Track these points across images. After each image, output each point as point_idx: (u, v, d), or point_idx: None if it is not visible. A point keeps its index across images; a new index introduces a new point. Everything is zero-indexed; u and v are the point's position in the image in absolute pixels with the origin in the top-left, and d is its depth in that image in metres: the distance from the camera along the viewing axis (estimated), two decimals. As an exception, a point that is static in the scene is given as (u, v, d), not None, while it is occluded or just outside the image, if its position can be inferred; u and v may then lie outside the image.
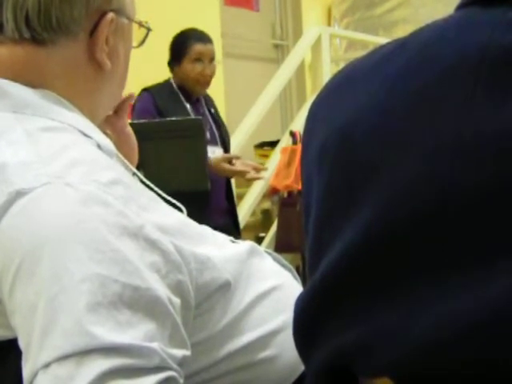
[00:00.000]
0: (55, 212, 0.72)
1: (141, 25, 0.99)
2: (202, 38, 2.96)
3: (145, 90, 2.93)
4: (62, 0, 0.85)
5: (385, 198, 0.50)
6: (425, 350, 0.48)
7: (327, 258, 0.54)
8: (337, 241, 0.53)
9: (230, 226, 2.98)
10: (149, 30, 1.01)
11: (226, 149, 3.03)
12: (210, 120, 3.02)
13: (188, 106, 2.95)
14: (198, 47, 2.92)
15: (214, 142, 2.95)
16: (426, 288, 0.48)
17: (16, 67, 0.86)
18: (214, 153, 2.89)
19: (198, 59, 2.92)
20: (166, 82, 3.00)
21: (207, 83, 2.96)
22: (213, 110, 3.10)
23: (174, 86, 2.97)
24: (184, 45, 2.93)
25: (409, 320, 0.48)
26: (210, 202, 2.77)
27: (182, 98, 2.96)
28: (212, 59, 2.95)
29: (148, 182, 0.98)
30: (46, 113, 0.84)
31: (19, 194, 0.73)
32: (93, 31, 0.89)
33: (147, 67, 3.06)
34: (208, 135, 2.84)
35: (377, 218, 0.50)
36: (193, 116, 2.87)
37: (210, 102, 3.11)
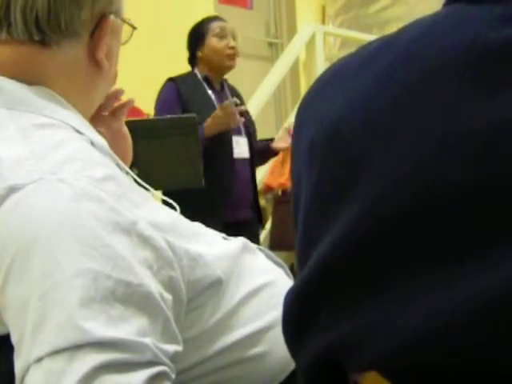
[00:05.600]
0: (48, 208, 0.72)
1: (130, 25, 0.99)
2: (219, 18, 3.02)
3: (170, 79, 2.91)
4: (71, 2, 0.86)
5: (372, 195, 0.50)
6: (411, 345, 0.48)
7: (316, 254, 0.54)
8: (325, 237, 0.53)
9: (253, 220, 2.93)
10: (134, 28, 1.01)
11: (251, 139, 2.99)
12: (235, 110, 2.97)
13: (212, 94, 2.94)
14: (218, 24, 2.95)
15: (237, 132, 2.90)
16: (413, 283, 0.48)
17: (16, 66, 0.86)
18: (238, 143, 2.86)
19: (221, 34, 2.93)
20: (190, 73, 2.98)
21: (235, 56, 2.94)
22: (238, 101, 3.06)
23: (198, 75, 2.95)
24: (204, 26, 2.95)
25: (396, 315, 0.49)
26: (233, 195, 2.74)
27: (206, 87, 2.94)
28: (234, 37, 2.95)
29: (141, 181, 0.98)
30: (39, 109, 0.85)
31: (12, 190, 0.73)
32: (93, 32, 0.90)
33: (142, 65, 3.05)
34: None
35: (365, 215, 0.50)
36: (216, 105, 2.85)
37: (234, 92, 3.07)
